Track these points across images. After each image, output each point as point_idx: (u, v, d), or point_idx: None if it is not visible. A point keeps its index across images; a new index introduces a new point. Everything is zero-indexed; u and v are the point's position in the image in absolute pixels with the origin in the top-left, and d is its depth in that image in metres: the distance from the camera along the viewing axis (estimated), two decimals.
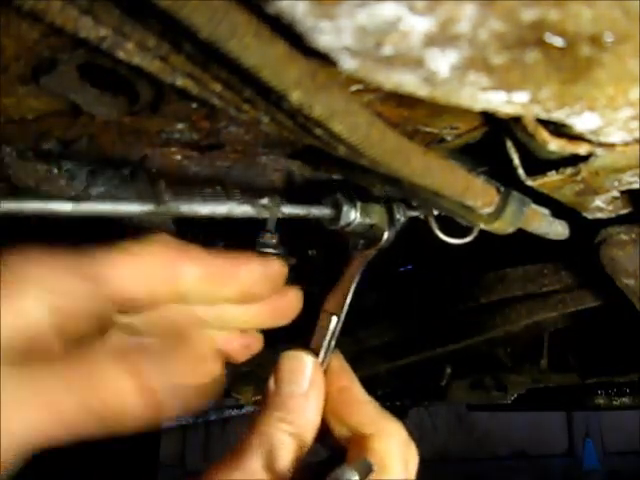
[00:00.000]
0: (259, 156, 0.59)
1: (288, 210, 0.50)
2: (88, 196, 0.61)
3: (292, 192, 0.68)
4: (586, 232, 0.69)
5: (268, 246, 0.78)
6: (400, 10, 0.28)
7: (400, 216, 0.59)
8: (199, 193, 0.66)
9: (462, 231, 0.62)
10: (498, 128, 0.49)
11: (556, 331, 1.13)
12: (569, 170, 0.49)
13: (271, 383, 0.51)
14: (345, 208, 0.55)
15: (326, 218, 0.55)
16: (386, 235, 0.57)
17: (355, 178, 0.55)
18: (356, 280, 0.56)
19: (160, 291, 0.44)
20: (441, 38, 0.30)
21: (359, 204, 0.56)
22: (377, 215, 0.57)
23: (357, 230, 0.57)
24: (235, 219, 0.70)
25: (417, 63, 0.31)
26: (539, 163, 0.50)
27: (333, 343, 0.54)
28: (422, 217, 0.65)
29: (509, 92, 0.35)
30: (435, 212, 0.66)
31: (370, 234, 0.58)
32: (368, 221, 0.56)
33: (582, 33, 0.31)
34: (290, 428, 0.48)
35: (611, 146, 0.44)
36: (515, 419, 4.31)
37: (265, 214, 0.48)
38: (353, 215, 0.55)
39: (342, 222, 0.55)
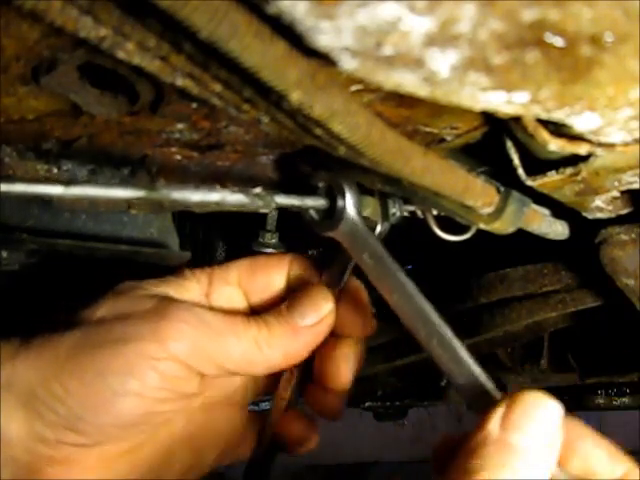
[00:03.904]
0: (259, 156, 0.59)
1: (282, 200, 0.49)
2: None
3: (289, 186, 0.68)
4: (586, 232, 0.70)
5: (268, 246, 0.78)
6: (400, 10, 0.28)
7: (396, 210, 0.58)
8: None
9: (460, 228, 0.62)
10: (498, 128, 0.49)
11: (556, 331, 1.12)
12: (569, 170, 0.49)
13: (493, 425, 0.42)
14: (339, 200, 0.54)
15: (320, 209, 0.54)
16: (379, 228, 0.57)
17: (355, 178, 0.55)
18: (349, 271, 0.56)
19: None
20: (441, 38, 0.30)
21: None
22: (371, 208, 0.57)
23: None
24: (236, 218, 0.70)
25: (417, 63, 0.31)
26: (539, 163, 0.50)
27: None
28: (420, 213, 0.65)
29: (509, 92, 0.35)
30: (434, 212, 0.65)
31: None
32: (362, 213, 0.56)
33: (582, 33, 0.31)
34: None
35: (611, 146, 0.44)
36: None
37: (259, 203, 0.48)
38: None
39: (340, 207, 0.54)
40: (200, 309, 0.51)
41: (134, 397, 0.47)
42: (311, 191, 0.55)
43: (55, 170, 0.59)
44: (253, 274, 0.56)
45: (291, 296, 0.55)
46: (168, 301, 0.51)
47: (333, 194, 0.54)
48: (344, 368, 0.55)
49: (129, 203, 0.63)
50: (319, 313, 0.53)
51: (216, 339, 0.50)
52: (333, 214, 0.54)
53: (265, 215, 0.78)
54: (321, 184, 0.55)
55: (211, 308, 0.54)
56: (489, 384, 0.45)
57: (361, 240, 0.52)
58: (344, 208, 0.53)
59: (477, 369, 0.46)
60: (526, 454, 0.38)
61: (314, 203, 0.54)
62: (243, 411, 0.60)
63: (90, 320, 0.50)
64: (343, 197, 0.53)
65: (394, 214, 0.58)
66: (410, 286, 0.49)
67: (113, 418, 0.47)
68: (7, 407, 0.47)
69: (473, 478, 0.38)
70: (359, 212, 0.53)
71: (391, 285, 0.50)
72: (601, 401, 1.63)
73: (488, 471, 0.38)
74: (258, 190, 0.48)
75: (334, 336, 0.55)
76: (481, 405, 0.43)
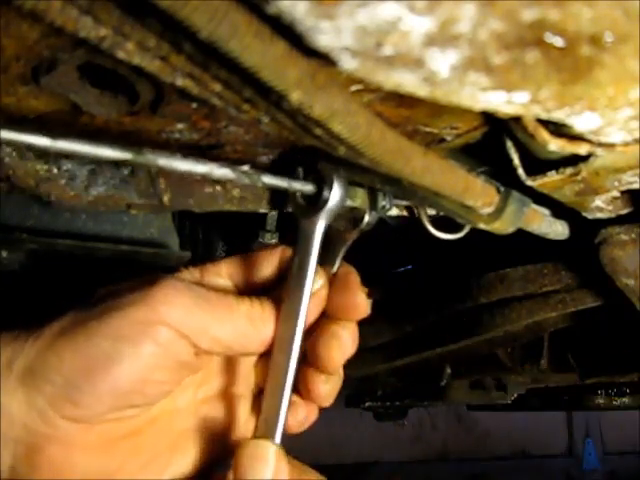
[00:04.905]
0: (259, 156, 0.59)
1: (269, 180, 0.49)
2: (88, 196, 0.61)
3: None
4: (586, 232, 0.70)
5: (268, 246, 0.78)
6: (400, 10, 0.28)
7: (386, 203, 0.58)
8: (199, 191, 0.66)
9: (455, 227, 0.62)
10: (498, 128, 0.49)
11: (556, 331, 1.13)
12: (569, 170, 0.49)
13: (230, 475, 0.48)
14: (326, 187, 0.54)
15: (307, 194, 0.54)
16: (366, 218, 0.57)
17: (355, 178, 0.55)
18: (338, 262, 0.57)
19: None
20: (441, 38, 0.30)
21: None
22: (360, 199, 0.57)
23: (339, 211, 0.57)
24: (235, 218, 0.69)
25: (417, 63, 0.31)
26: (539, 163, 0.50)
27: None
28: (415, 212, 0.65)
29: (509, 92, 0.35)
30: (430, 211, 0.65)
31: (352, 217, 0.58)
32: (350, 203, 0.56)
33: (582, 33, 0.31)
34: None
35: (611, 146, 0.44)
36: (515, 419, 4.31)
37: (245, 180, 0.47)
38: None
39: (323, 200, 0.54)
40: (191, 284, 0.52)
41: (128, 362, 0.47)
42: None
43: (55, 170, 0.59)
44: (244, 267, 0.56)
45: (284, 278, 0.55)
46: (158, 274, 0.51)
47: (321, 186, 0.54)
48: (335, 350, 0.55)
49: (129, 203, 0.63)
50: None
51: (207, 309, 0.49)
52: (317, 203, 0.54)
53: (265, 215, 0.78)
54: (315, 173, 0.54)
55: None
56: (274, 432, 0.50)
57: (308, 249, 0.53)
58: (317, 220, 0.53)
59: (278, 420, 0.51)
60: None
61: (301, 187, 0.53)
62: (248, 403, 0.60)
63: (85, 302, 0.51)
64: (326, 202, 0.53)
65: (384, 206, 0.58)
66: (299, 320, 0.51)
67: (108, 384, 0.47)
68: (8, 387, 0.47)
69: None
70: (324, 232, 0.53)
71: (289, 307, 0.52)
72: (601, 401, 1.64)
73: None
74: (246, 167, 0.48)
75: (328, 319, 0.56)
76: None
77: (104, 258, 0.72)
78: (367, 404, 1.70)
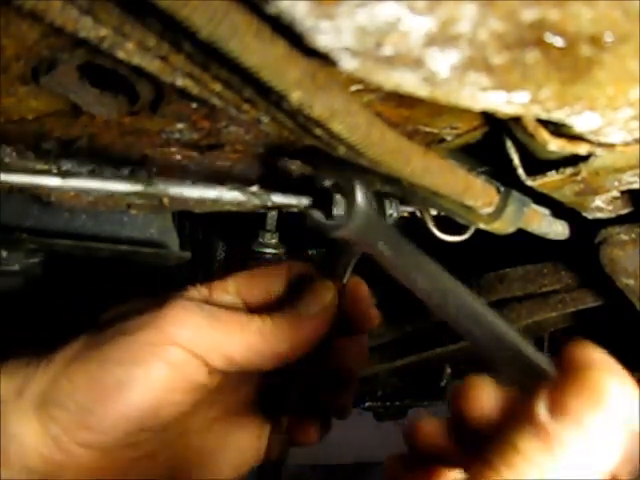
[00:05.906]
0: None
1: (278, 199, 0.49)
2: (88, 196, 0.61)
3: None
4: (586, 232, 0.70)
5: (268, 246, 0.78)
6: (400, 10, 0.28)
7: (393, 211, 0.58)
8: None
9: (458, 229, 0.62)
10: (498, 128, 0.49)
11: (556, 331, 1.12)
12: (569, 170, 0.49)
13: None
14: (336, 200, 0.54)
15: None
16: None
17: (355, 178, 0.55)
18: (348, 274, 0.57)
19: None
20: (441, 38, 0.30)
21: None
22: None
23: None
24: (235, 218, 0.69)
25: (417, 63, 0.31)
26: (539, 163, 0.50)
27: None
28: (418, 214, 0.65)
29: (509, 92, 0.35)
30: (434, 212, 0.65)
31: None
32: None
33: (582, 33, 0.31)
34: None
35: (611, 146, 0.44)
36: None
37: (255, 201, 0.48)
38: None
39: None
40: (201, 302, 0.51)
41: (141, 386, 0.47)
42: (310, 190, 0.55)
43: (55, 170, 0.59)
44: (251, 284, 0.56)
45: (293, 293, 0.55)
46: (167, 296, 0.51)
47: (341, 191, 0.53)
48: (348, 362, 0.55)
49: (129, 203, 0.63)
50: (322, 301, 0.53)
51: (219, 327, 0.49)
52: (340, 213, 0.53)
53: (265, 215, 0.78)
54: (327, 182, 0.54)
55: None
56: (538, 357, 0.39)
57: (373, 230, 0.50)
58: (354, 203, 0.50)
59: (520, 341, 0.41)
60: (569, 454, 0.30)
61: (310, 203, 0.53)
62: (260, 420, 0.59)
63: (95, 325, 0.51)
64: (351, 194, 0.51)
65: (391, 215, 0.58)
66: (433, 265, 0.46)
67: (122, 408, 0.47)
68: (20, 415, 0.47)
69: (493, 471, 0.30)
70: (370, 203, 0.52)
71: (414, 267, 0.47)
72: None
73: (512, 467, 0.30)
74: (255, 188, 0.48)
75: (338, 331, 0.55)
76: (531, 384, 0.37)
77: (104, 258, 0.72)
78: (367, 404, 1.70)
